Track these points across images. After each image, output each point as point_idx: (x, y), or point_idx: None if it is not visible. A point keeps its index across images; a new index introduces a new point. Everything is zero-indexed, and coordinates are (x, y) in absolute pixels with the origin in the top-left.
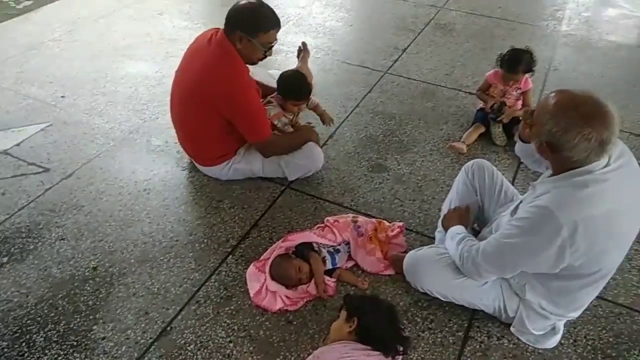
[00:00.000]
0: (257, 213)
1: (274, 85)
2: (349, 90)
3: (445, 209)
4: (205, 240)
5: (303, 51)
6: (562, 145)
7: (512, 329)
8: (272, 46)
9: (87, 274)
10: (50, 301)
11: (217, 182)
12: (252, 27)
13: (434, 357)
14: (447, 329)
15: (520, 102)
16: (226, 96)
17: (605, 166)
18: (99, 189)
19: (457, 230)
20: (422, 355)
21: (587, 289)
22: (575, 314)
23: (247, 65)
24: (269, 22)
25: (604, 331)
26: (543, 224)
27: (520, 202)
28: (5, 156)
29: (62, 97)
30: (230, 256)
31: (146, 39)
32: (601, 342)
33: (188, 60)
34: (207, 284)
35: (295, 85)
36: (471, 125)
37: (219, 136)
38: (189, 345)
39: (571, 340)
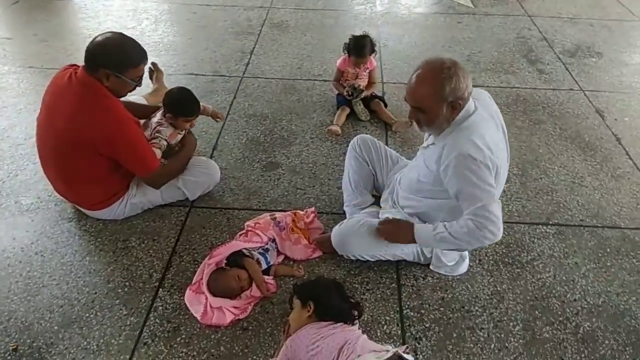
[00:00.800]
0: (171, 240)
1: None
2: (214, 101)
3: (346, 186)
4: (127, 283)
5: (155, 71)
6: (461, 90)
7: (431, 266)
8: (142, 77)
9: (8, 358)
10: None
11: (114, 223)
12: (120, 64)
13: (380, 311)
14: (381, 285)
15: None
16: (105, 137)
17: (475, 109)
18: None
19: (425, 229)
20: (371, 314)
21: None
22: None
23: None
24: (137, 56)
25: (497, 246)
26: (470, 165)
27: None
28: None
29: None
30: (161, 289)
31: None
32: (497, 254)
33: (51, 105)
34: (147, 323)
35: (185, 102)
36: (337, 109)
37: (106, 176)
38: None
39: (477, 261)
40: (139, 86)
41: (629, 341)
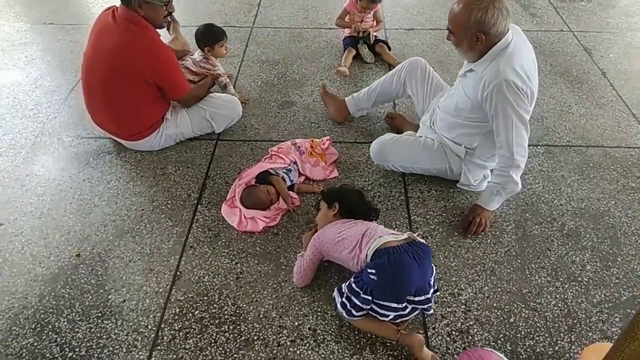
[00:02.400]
0: (203, 167)
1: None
2: (227, 48)
3: (370, 85)
4: (169, 202)
5: (172, 22)
6: (488, 25)
7: (458, 184)
8: (170, 0)
9: (73, 261)
10: (53, 293)
11: (150, 154)
12: None
13: (391, 218)
14: (391, 198)
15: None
16: (151, 62)
17: (511, 41)
18: (36, 192)
19: (487, 198)
20: (384, 221)
21: None
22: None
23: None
24: None
25: None
26: (510, 91)
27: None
28: None
29: None
30: (199, 205)
31: None
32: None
33: (97, 42)
34: (191, 232)
35: (214, 30)
36: (343, 51)
37: (149, 104)
38: (203, 278)
39: None
40: (172, 10)
41: (607, 235)
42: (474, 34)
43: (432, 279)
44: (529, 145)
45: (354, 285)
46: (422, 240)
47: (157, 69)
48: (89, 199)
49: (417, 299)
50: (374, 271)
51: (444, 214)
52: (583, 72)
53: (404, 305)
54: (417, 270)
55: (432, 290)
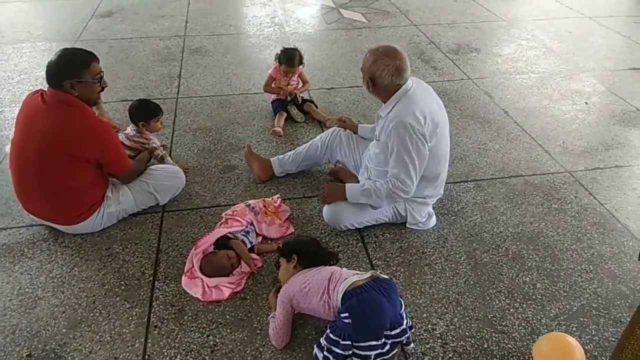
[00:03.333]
0: (153, 242)
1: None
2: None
3: (297, 150)
4: (122, 283)
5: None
6: (375, 76)
7: (407, 225)
8: (102, 76)
9: None
10: None
11: (92, 236)
12: (74, 70)
13: (354, 266)
14: (350, 246)
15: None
16: (94, 140)
17: (411, 87)
18: None
19: (355, 187)
20: (348, 267)
21: (442, 167)
22: (440, 192)
23: None
24: (84, 57)
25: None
26: (406, 131)
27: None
28: None
29: None
30: (156, 282)
31: None
32: (435, 208)
33: (28, 128)
34: (153, 310)
35: (150, 105)
36: (275, 114)
37: (88, 185)
38: (175, 357)
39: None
40: (105, 85)
41: (546, 253)
42: (370, 79)
43: (403, 311)
44: (460, 182)
45: (331, 335)
46: (385, 276)
47: (100, 147)
48: (30, 292)
49: (393, 332)
50: (347, 314)
51: (402, 255)
52: (489, 113)
53: (382, 341)
54: (386, 304)
55: (405, 322)
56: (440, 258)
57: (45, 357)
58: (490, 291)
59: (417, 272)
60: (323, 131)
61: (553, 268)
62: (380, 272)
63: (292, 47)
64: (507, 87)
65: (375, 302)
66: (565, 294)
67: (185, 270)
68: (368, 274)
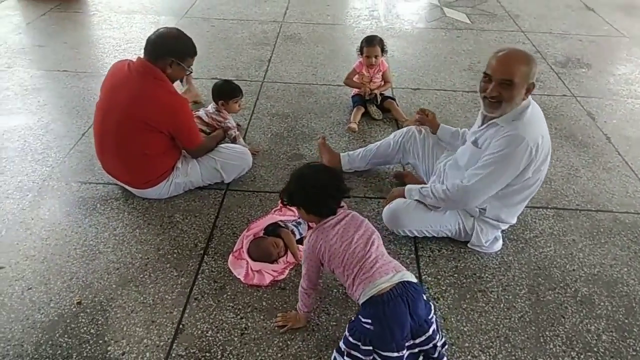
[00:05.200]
0: (211, 217)
1: None
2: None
3: (368, 147)
4: (175, 251)
5: (187, 74)
6: (534, 81)
7: (469, 245)
8: (191, 67)
9: (74, 309)
10: (50, 342)
11: (159, 202)
12: (183, 53)
13: None
14: (401, 255)
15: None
16: (169, 112)
17: (530, 102)
18: (41, 237)
19: (413, 187)
20: None
21: (528, 197)
22: (515, 219)
23: None
24: (193, 48)
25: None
26: (517, 147)
27: (475, 138)
28: None
29: None
30: (206, 256)
31: (7, 93)
32: (504, 232)
33: (112, 91)
34: (196, 283)
35: (231, 86)
36: (353, 108)
37: (161, 154)
38: (207, 332)
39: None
40: (191, 71)
41: (621, 304)
42: (529, 86)
43: (432, 317)
44: (539, 207)
45: (350, 338)
46: (414, 279)
47: (174, 120)
48: (93, 245)
49: (418, 341)
50: (369, 321)
51: (455, 275)
52: (588, 136)
53: (403, 353)
54: (408, 315)
55: (432, 328)
56: (497, 286)
57: (93, 307)
58: (547, 333)
59: (468, 297)
60: None
61: (626, 322)
62: (429, 291)
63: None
64: (614, 110)
65: (400, 314)
66: (634, 354)
67: (234, 250)
68: (397, 277)
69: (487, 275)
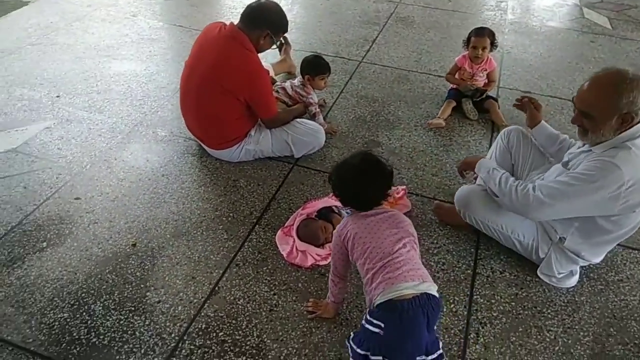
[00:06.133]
0: (273, 188)
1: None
2: (330, 78)
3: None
4: (231, 214)
5: (285, 44)
6: (635, 108)
7: (538, 272)
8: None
9: (128, 250)
10: (99, 276)
11: (229, 165)
12: (278, 27)
13: (450, 291)
14: (457, 268)
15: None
16: (248, 80)
17: None
18: (118, 177)
19: (489, 164)
20: (440, 291)
21: (617, 240)
22: (599, 259)
23: None
24: (287, 24)
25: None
26: (610, 177)
27: (568, 159)
28: (16, 154)
29: (57, 96)
30: (257, 225)
31: (125, 39)
32: (583, 267)
33: (199, 52)
34: (242, 249)
35: (320, 62)
36: (444, 101)
37: (236, 119)
38: (238, 300)
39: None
40: (289, 44)
41: None
42: (622, 115)
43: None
44: (634, 248)
45: (358, 350)
46: (437, 294)
47: (252, 90)
48: (161, 194)
49: (429, 357)
50: (380, 324)
51: (512, 303)
52: None
53: None
54: (425, 329)
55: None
56: (558, 326)
57: (145, 252)
58: None
59: (520, 330)
60: (493, 137)
61: None
62: (477, 313)
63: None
64: None
65: (417, 325)
66: None
67: (284, 225)
68: (424, 285)
69: (549, 311)
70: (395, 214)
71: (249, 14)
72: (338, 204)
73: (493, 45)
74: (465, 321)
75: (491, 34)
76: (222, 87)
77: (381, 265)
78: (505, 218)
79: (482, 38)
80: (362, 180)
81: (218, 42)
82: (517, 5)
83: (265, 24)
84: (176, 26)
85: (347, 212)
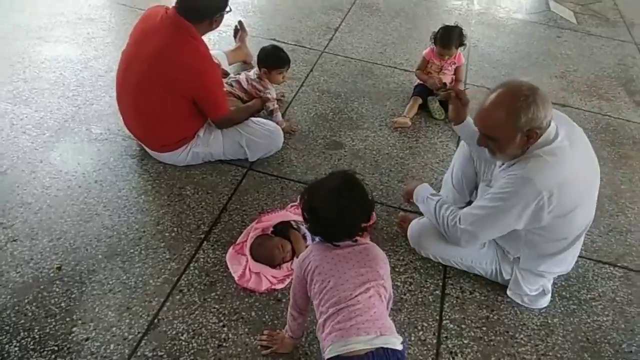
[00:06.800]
0: (224, 197)
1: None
2: (290, 70)
3: (446, 180)
4: (175, 229)
5: (241, 30)
6: (541, 119)
7: (508, 292)
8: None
9: (51, 274)
10: (17, 308)
11: (174, 169)
12: (225, 4)
13: (418, 316)
14: (425, 289)
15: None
16: (195, 77)
17: (555, 137)
18: (43, 183)
19: (424, 191)
20: (408, 316)
21: (572, 244)
22: (564, 269)
23: None
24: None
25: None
26: (523, 191)
27: (491, 178)
28: None
29: None
30: (205, 242)
31: (60, 19)
32: (555, 285)
33: (139, 41)
34: (186, 272)
35: (278, 55)
36: (410, 98)
37: (181, 119)
38: (181, 335)
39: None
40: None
41: None
42: (526, 133)
43: None
44: (605, 263)
45: None
46: (401, 346)
47: (199, 87)
48: (93, 205)
49: None
50: None
51: (484, 328)
52: None
53: None
54: None
55: None
56: (533, 353)
57: (72, 277)
58: None
59: (493, 358)
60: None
61: None
62: (446, 341)
63: (453, 24)
64: None
65: None
66: None
67: (236, 242)
68: (380, 340)
69: (522, 336)
70: (368, 248)
71: (193, 7)
72: (297, 217)
73: (461, 46)
74: (435, 351)
75: (459, 38)
76: (164, 83)
77: (334, 312)
78: (460, 250)
79: (448, 50)
80: (338, 208)
81: (160, 31)
82: None
83: (216, 9)
84: (119, 4)
85: (307, 229)
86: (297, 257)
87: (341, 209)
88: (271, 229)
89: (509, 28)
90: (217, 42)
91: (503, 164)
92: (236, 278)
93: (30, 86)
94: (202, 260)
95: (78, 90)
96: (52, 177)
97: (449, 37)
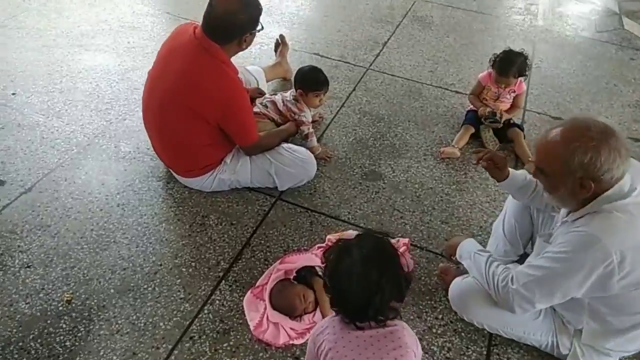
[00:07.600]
0: (248, 230)
1: (250, 80)
2: (332, 88)
3: (496, 228)
4: (193, 264)
5: (281, 45)
6: (600, 169)
7: None
8: None
9: (60, 308)
10: (20, 344)
11: (199, 195)
12: (257, 18)
13: None
14: (465, 357)
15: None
16: (219, 103)
17: (631, 191)
18: (65, 204)
19: (471, 246)
20: None
21: None
22: (636, 348)
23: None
24: (261, 6)
25: None
26: (589, 252)
27: (550, 232)
28: None
29: (12, 94)
30: (223, 282)
31: (103, 26)
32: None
33: (165, 60)
34: (199, 315)
35: (316, 77)
36: (461, 126)
37: (206, 145)
38: None
39: None
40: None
41: None
42: (578, 180)
43: None
44: None
45: None
46: None
47: (224, 115)
48: (111, 231)
49: None
50: None
51: None
52: None
53: None
54: None
55: None
56: None
57: (80, 312)
58: None
59: None
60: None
61: None
62: None
63: (519, 50)
64: None
65: None
66: None
67: (256, 284)
68: None
69: None
70: (395, 332)
71: (218, 27)
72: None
73: (522, 76)
74: None
75: (520, 68)
76: (188, 109)
77: None
78: (510, 317)
79: (506, 79)
80: (364, 288)
81: (186, 51)
82: (548, 10)
83: (243, 29)
84: (163, 13)
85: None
86: (320, 309)
87: (369, 289)
88: (294, 273)
89: (576, 48)
90: (258, 55)
91: (566, 217)
92: (252, 327)
93: (65, 97)
94: (217, 302)
95: (112, 104)
96: (74, 197)
97: (509, 65)
